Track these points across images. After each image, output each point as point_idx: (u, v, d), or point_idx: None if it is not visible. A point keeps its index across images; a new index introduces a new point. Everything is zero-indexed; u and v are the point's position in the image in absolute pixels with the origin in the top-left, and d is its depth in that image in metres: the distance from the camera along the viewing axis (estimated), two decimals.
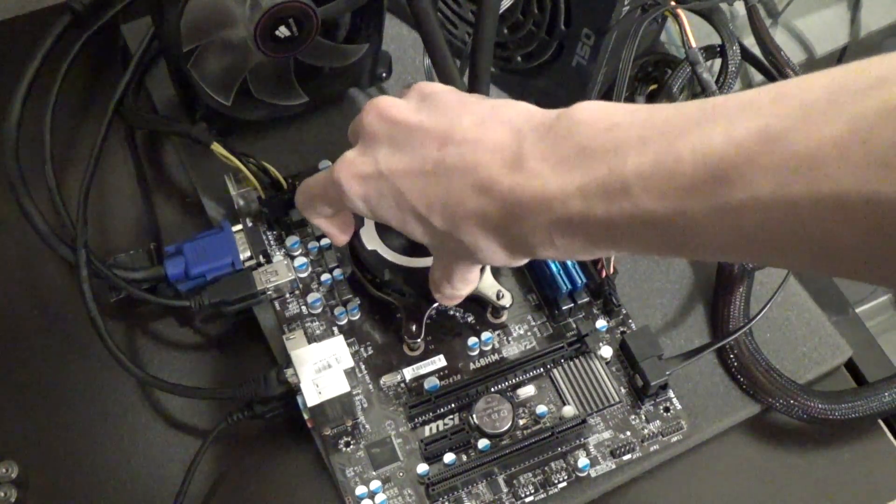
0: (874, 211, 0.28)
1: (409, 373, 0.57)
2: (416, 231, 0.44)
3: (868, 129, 0.28)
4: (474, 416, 0.54)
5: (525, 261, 0.44)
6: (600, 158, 0.35)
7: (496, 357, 0.58)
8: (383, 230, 0.56)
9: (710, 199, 0.32)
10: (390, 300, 0.57)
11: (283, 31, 0.55)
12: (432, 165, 0.41)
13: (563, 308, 0.58)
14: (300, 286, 0.59)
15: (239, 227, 0.60)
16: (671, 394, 0.56)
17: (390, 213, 0.44)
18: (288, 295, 0.59)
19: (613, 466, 0.54)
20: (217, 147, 0.59)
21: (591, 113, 0.37)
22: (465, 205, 0.40)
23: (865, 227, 0.28)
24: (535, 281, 0.60)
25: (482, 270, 0.56)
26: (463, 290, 0.50)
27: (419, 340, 0.56)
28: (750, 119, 0.31)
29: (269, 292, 0.58)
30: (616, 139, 0.35)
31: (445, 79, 0.55)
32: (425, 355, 0.57)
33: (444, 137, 0.41)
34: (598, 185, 0.35)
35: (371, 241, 0.55)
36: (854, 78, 0.30)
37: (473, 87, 0.55)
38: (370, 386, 0.56)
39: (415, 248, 0.54)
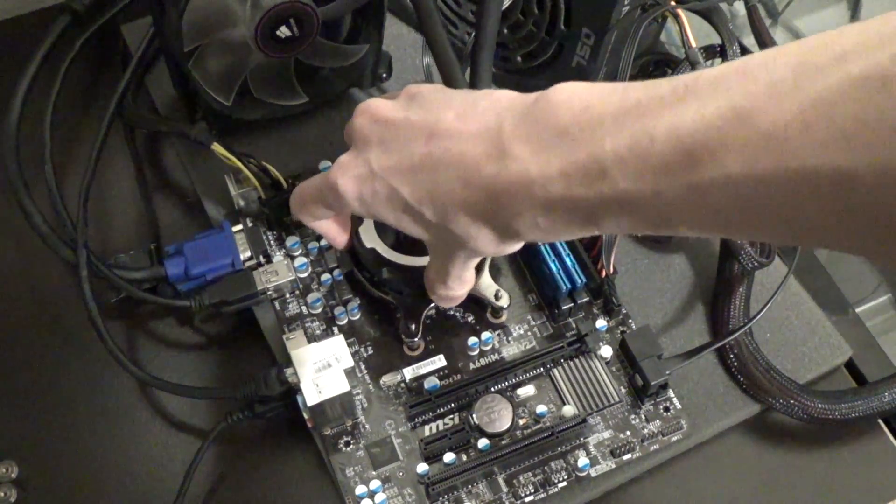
0: (839, 184, 0.28)
1: (409, 372, 0.57)
2: (411, 226, 0.45)
3: (830, 105, 0.28)
4: (474, 415, 0.54)
5: (516, 247, 0.45)
6: (578, 140, 0.36)
7: (496, 357, 0.58)
8: (381, 229, 0.56)
9: (684, 178, 0.33)
10: (388, 299, 0.57)
11: (283, 32, 0.55)
12: (420, 160, 0.42)
13: (563, 308, 0.58)
14: (300, 286, 0.59)
15: (239, 227, 0.61)
16: (671, 393, 0.56)
17: (385, 210, 0.45)
18: (288, 295, 0.59)
19: (613, 466, 0.55)
20: (217, 147, 0.59)
21: (567, 94, 0.38)
22: (453, 195, 0.41)
23: (832, 201, 0.29)
24: (535, 281, 0.60)
25: (479, 271, 0.57)
26: (458, 290, 0.50)
27: (417, 339, 0.56)
28: (719, 98, 0.32)
29: (270, 292, 0.58)
30: (591, 120, 0.36)
31: (448, 79, 0.55)
32: (425, 355, 0.57)
33: (430, 132, 0.42)
34: (577, 167, 0.36)
35: (369, 239, 0.55)
36: (817, 54, 0.30)
37: (474, 88, 0.55)
38: (370, 386, 0.56)
39: (413, 247, 0.54)
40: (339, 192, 0.46)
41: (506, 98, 0.41)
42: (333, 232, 0.55)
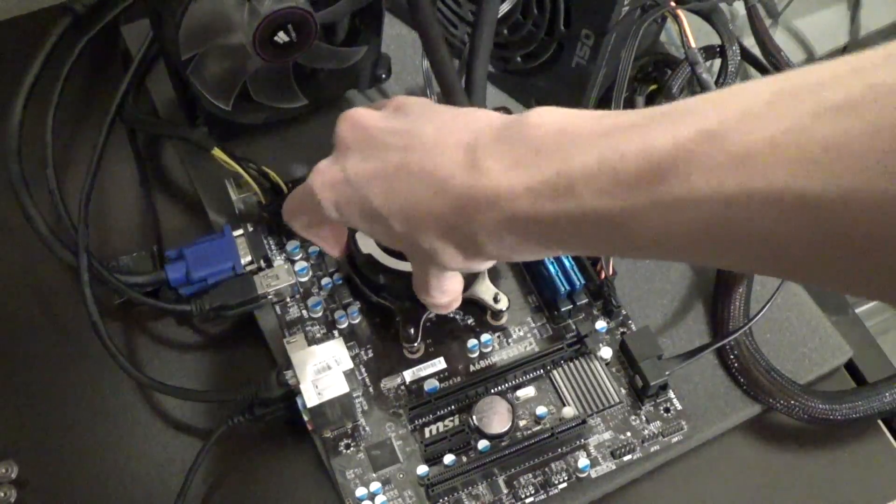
0: (805, 208, 0.28)
1: (408, 375, 0.57)
2: (382, 236, 0.45)
3: (801, 129, 0.29)
4: (474, 417, 0.54)
5: (483, 265, 0.45)
6: (548, 159, 0.37)
7: (496, 359, 0.58)
8: None
9: (650, 195, 0.33)
10: (387, 304, 0.57)
11: (281, 37, 0.55)
12: (394, 170, 0.42)
13: (563, 309, 0.58)
14: (301, 290, 0.60)
15: (240, 231, 0.61)
16: (671, 394, 0.56)
17: (358, 218, 0.45)
18: (289, 299, 0.59)
19: (614, 467, 0.55)
20: (218, 152, 0.59)
21: (544, 117, 0.38)
22: (421, 207, 0.41)
23: (797, 225, 0.29)
24: (534, 283, 0.60)
25: (478, 275, 0.57)
26: (440, 299, 0.50)
27: (416, 344, 0.57)
28: (691, 123, 0.32)
29: (270, 296, 0.58)
30: (564, 141, 0.37)
31: (445, 86, 0.55)
32: (425, 357, 0.58)
33: (408, 143, 0.42)
34: (545, 184, 0.36)
35: (366, 245, 0.56)
36: (792, 83, 0.30)
37: (468, 93, 0.56)
38: (370, 388, 0.56)
39: None
40: (317, 199, 0.46)
41: (485, 117, 0.42)
42: (326, 242, 0.54)
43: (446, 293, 0.50)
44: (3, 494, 0.54)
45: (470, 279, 0.56)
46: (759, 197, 0.29)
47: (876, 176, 0.26)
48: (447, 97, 0.56)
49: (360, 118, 0.45)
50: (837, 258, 0.29)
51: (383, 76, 0.66)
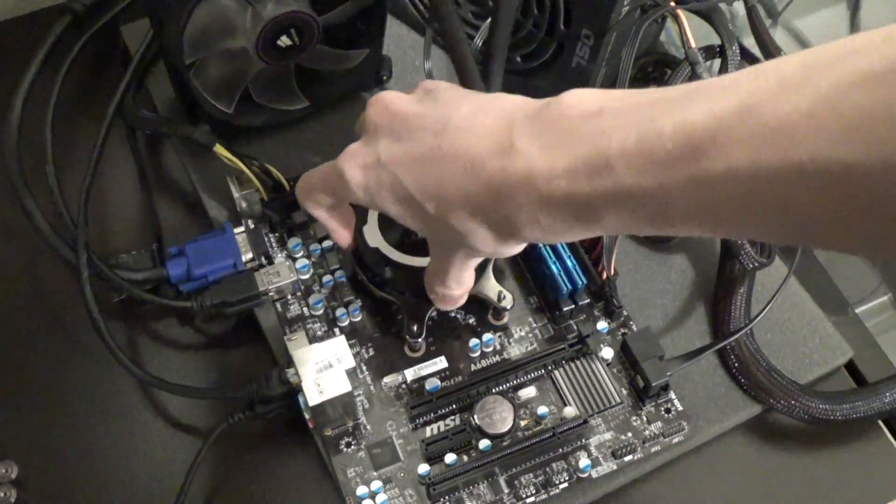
0: (844, 176, 0.28)
1: (410, 373, 0.57)
2: (412, 220, 0.45)
3: (839, 98, 0.29)
4: (475, 416, 0.54)
5: (516, 248, 0.45)
6: (586, 139, 0.37)
7: (497, 358, 0.58)
8: (385, 228, 0.56)
9: (688, 171, 0.33)
10: (391, 299, 0.57)
11: (284, 41, 0.55)
12: (427, 152, 0.42)
13: (565, 310, 0.58)
14: (302, 287, 0.59)
15: (241, 228, 0.61)
16: (672, 395, 0.57)
17: (388, 201, 0.45)
18: (290, 296, 0.59)
19: (615, 467, 0.55)
20: (219, 149, 0.59)
21: (579, 98, 0.39)
22: (455, 189, 0.41)
23: (836, 194, 0.29)
24: (536, 283, 0.60)
25: (483, 272, 0.57)
26: (456, 290, 0.51)
27: (420, 340, 0.57)
28: (729, 96, 0.32)
29: (271, 293, 0.58)
30: (602, 121, 0.37)
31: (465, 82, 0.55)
32: (427, 356, 0.57)
33: (441, 127, 0.42)
34: (582, 163, 0.36)
35: (373, 238, 0.55)
36: (828, 52, 0.30)
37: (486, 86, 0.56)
38: (371, 387, 0.56)
39: (416, 247, 0.54)
40: (345, 179, 0.46)
41: (519, 100, 0.42)
42: (336, 224, 0.54)
43: (462, 284, 0.50)
44: (3, 494, 0.54)
45: (476, 276, 0.56)
46: (797, 168, 0.29)
47: None
48: (464, 83, 0.56)
49: (390, 102, 0.45)
50: (872, 226, 0.29)
51: (385, 77, 0.66)
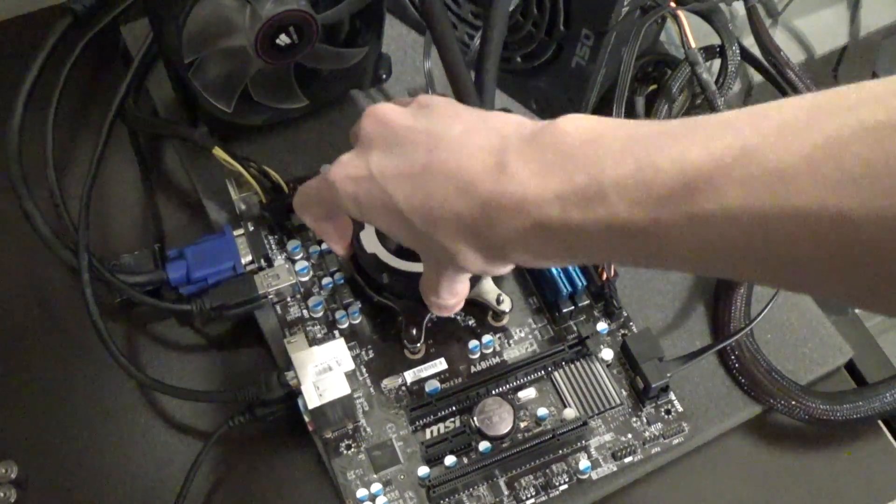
0: (840, 227, 0.28)
1: (410, 376, 0.57)
2: (401, 234, 0.45)
3: (841, 147, 0.28)
4: (475, 418, 0.54)
5: (502, 269, 0.45)
6: (581, 167, 0.36)
7: (497, 360, 0.58)
8: (383, 234, 0.56)
9: (683, 208, 0.33)
10: (390, 304, 0.57)
11: (283, 39, 0.55)
12: (420, 168, 0.42)
13: (564, 311, 0.58)
14: (301, 290, 0.59)
15: (240, 231, 0.61)
16: (672, 396, 0.57)
17: (377, 214, 0.45)
18: (289, 299, 0.59)
19: (615, 469, 0.55)
20: (218, 151, 0.59)
21: (576, 124, 0.38)
22: (444, 206, 0.41)
23: (832, 242, 0.29)
24: (535, 284, 0.60)
25: (481, 277, 0.57)
26: (449, 300, 0.51)
27: (419, 345, 0.57)
28: (728, 135, 0.32)
29: (271, 296, 0.58)
30: (598, 150, 0.36)
31: (459, 94, 0.55)
32: (426, 358, 0.57)
33: (434, 143, 0.42)
34: (575, 191, 0.36)
35: (370, 244, 0.55)
36: (831, 101, 0.30)
37: (479, 91, 0.56)
38: (371, 389, 0.56)
39: (413, 253, 0.54)
40: (336, 190, 0.46)
41: (515, 121, 0.41)
42: (332, 235, 0.54)
43: (456, 295, 0.50)
44: (3, 494, 0.54)
45: (474, 280, 0.56)
46: (794, 214, 0.29)
47: None
48: (458, 93, 0.56)
49: (385, 114, 0.45)
50: (866, 277, 0.29)
51: (384, 76, 0.66)
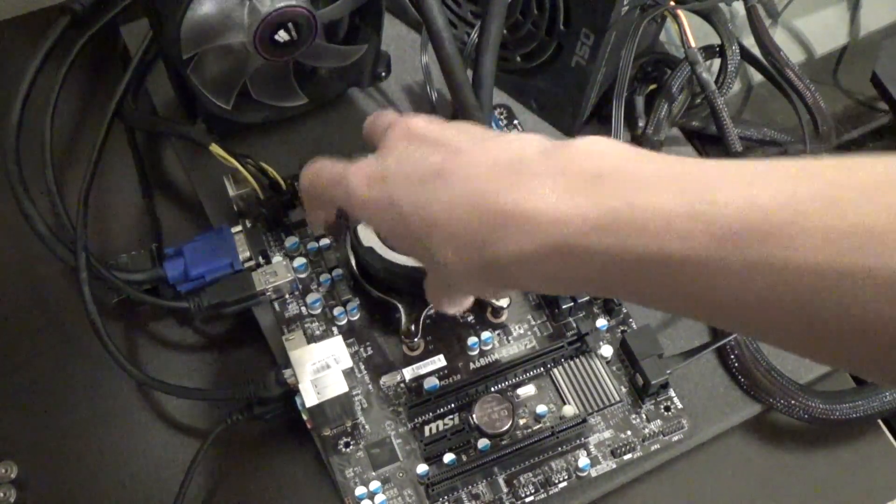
0: None
1: (408, 373, 0.56)
2: (399, 241, 0.45)
3: None
4: (474, 415, 0.54)
5: (497, 293, 0.44)
6: (612, 191, 0.34)
7: (496, 357, 0.58)
8: None
9: (744, 251, 0.30)
10: (388, 299, 0.57)
11: (282, 36, 0.55)
12: (432, 173, 0.41)
13: (563, 307, 0.58)
14: (299, 287, 0.59)
15: (238, 228, 0.61)
16: (672, 393, 0.56)
17: (381, 216, 0.44)
18: (287, 295, 0.59)
19: (614, 466, 0.54)
20: (215, 148, 0.59)
21: (599, 146, 0.37)
22: (447, 210, 0.39)
23: None
24: None
25: None
26: (449, 310, 0.51)
27: (417, 340, 0.56)
28: (809, 182, 0.30)
29: (269, 293, 0.58)
30: (636, 176, 0.34)
31: (452, 81, 0.55)
32: (425, 355, 0.57)
33: (453, 152, 0.41)
34: (605, 215, 0.34)
35: (368, 238, 0.55)
36: None
37: (476, 88, 0.56)
38: (370, 386, 0.56)
39: None
40: (349, 185, 0.45)
41: (537, 138, 0.40)
42: (319, 219, 0.53)
43: (455, 307, 0.51)
44: (2, 494, 0.54)
45: None
46: (871, 273, 0.28)
47: None
48: (454, 94, 0.55)
49: (413, 124, 0.44)
50: None
51: (383, 74, 0.66)
